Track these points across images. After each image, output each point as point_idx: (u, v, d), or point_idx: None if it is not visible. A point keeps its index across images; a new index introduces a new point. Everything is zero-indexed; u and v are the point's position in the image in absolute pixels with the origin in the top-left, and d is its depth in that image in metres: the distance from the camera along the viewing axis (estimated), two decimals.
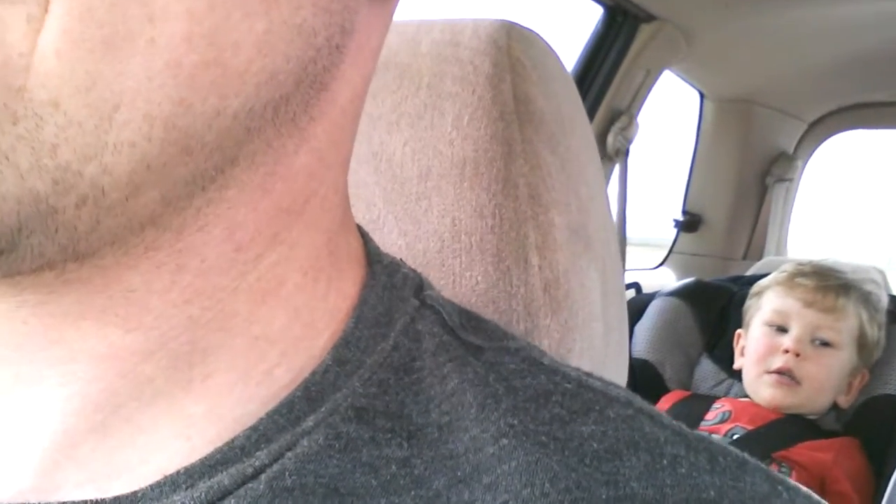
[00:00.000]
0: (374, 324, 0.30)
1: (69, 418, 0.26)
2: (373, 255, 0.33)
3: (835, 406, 1.38)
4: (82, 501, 0.25)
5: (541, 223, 0.42)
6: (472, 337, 0.32)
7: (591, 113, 1.65)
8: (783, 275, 1.44)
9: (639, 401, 0.30)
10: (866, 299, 1.39)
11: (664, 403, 1.43)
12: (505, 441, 0.27)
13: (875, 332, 1.39)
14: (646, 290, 1.83)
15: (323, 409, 0.27)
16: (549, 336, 0.42)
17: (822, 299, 1.36)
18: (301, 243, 0.29)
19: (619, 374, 0.50)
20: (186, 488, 0.25)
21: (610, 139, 1.70)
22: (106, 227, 0.22)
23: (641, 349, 1.57)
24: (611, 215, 0.52)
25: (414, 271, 0.35)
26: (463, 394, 0.29)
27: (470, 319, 0.34)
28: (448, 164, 0.43)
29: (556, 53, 0.48)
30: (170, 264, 0.25)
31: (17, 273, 0.23)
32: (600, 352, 0.45)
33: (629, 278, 1.87)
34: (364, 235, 0.35)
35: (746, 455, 0.29)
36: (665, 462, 0.27)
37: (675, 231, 2.31)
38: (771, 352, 1.36)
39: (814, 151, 2.36)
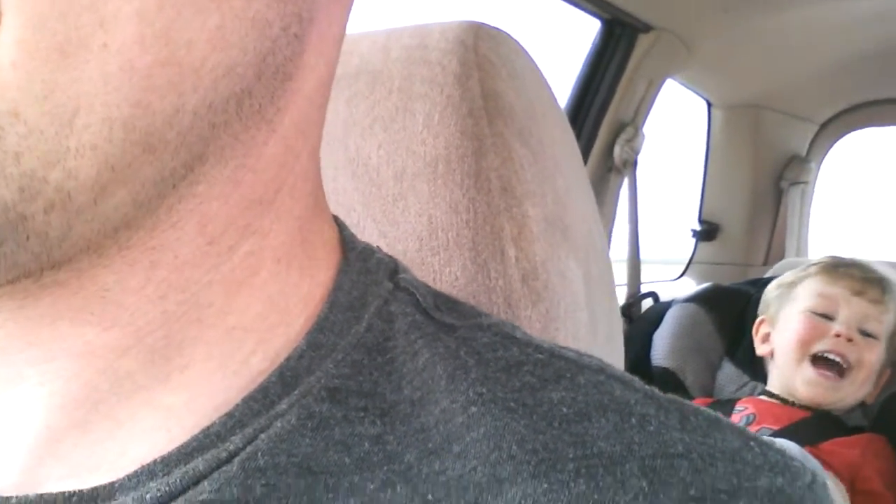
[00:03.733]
0: (348, 307, 0.31)
1: (51, 415, 0.26)
2: (347, 242, 0.34)
3: (860, 402, 1.36)
4: (60, 493, 0.26)
5: (515, 215, 0.42)
6: (446, 317, 0.32)
7: (596, 126, 1.66)
8: (821, 265, 1.41)
9: (612, 368, 0.30)
10: None
11: None
12: (474, 409, 0.28)
13: None
14: (668, 297, 1.81)
15: (296, 391, 0.28)
16: (530, 327, 0.42)
17: (871, 290, 1.34)
18: (273, 232, 0.29)
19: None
20: (163, 476, 0.26)
21: (617, 151, 1.70)
22: (78, 233, 0.23)
23: (661, 357, 1.55)
24: (594, 206, 0.52)
25: (389, 256, 0.35)
26: (433, 367, 0.29)
27: (445, 301, 0.34)
28: (421, 163, 0.44)
29: (525, 51, 0.49)
30: (143, 262, 0.26)
31: None
32: (587, 341, 0.46)
33: (648, 289, 1.86)
34: (340, 225, 0.35)
35: (721, 415, 0.29)
36: (634, 421, 0.27)
37: (693, 242, 2.29)
38: (817, 335, 1.32)
39: (827, 152, 2.34)
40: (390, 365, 0.30)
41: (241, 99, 0.25)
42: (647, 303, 1.81)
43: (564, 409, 0.27)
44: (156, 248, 0.26)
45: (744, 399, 1.39)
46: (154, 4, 0.21)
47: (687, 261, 2.31)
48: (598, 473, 0.25)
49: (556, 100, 0.50)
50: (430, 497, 0.26)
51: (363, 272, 0.33)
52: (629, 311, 1.76)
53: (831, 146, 2.33)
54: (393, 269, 0.34)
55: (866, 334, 1.33)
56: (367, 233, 0.45)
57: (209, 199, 0.26)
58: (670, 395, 0.29)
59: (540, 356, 0.30)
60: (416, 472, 0.26)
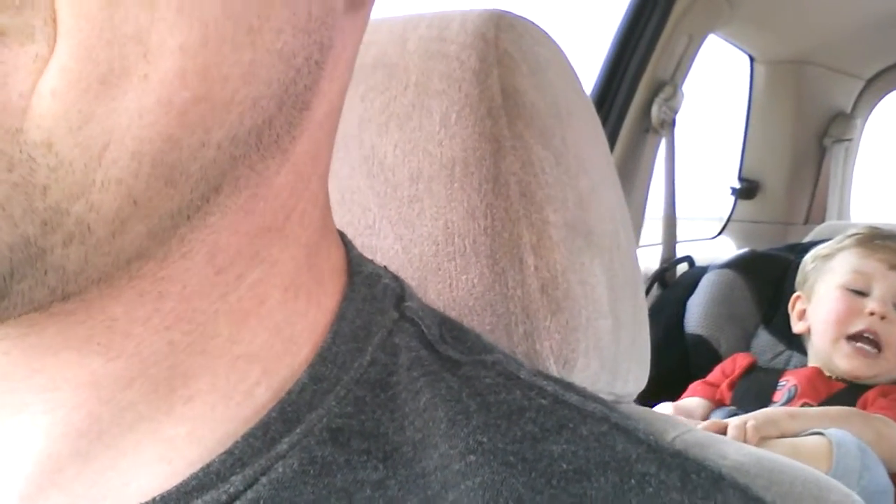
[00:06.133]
0: (351, 338, 0.30)
1: (53, 444, 0.26)
2: (354, 266, 0.33)
3: None
4: None
5: (534, 222, 0.41)
6: (451, 350, 0.31)
7: (634, 85, 1.61)
8: (858, 237, 1.37)
9: (616, 416, 0.29)
10: None
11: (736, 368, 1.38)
12: (472, 458, 0.27)
13: None
14: (704, 261, 1.78)
15: (298, 430, 0.27)
16: (549, 338, 0.41)
17: None
18: (281, 260, 0.28)
19: (636, 370, 0.48)
20: None
21: (654, 111, 1.66)
22: (94, 266, 0.22)
23: (695, 324, 1.52)
24: (621, 201, 0.50)
25: (396, 280, 0.34)
26: (434, 409, 0.29)
27: (451, 330, 0.33)
28: (437, 165, 0.42)
29: (552, 40, 0.46)
30: (152, 292, 0.25)
31: (6, 319, 0.23)
32: (610, 350, 0.44)
33: (683, 251, 1.83)
34: (347, 244, 0.34)
35: (724, 473, 0.28)
36: (633, 482, 0.26)
37: (732, 199, 2.25)
38: (852, 314, 1.29)
39: (873, 109, 2.27)
40: (393, 402, 0.29)
41: (261, 131, 0.25)
42: (681, 267, 1.78)
43: (564, 465, 0.27)
44: (165, 279, 0.25)
45: (788, 372, 1.36)
46: (197, 40, 0.21)
47: (725, 219, 2.26)
48: None
49: (583, 90, 0.48)
50: None
51: (368, 299, 0.32)
52: (664, 276, 1.73)
53: (877, 102, 2.26)
54: (399, 295, 0.33)
55: None
56: (383, 234, 0.43)
57: (220, 230, 0.26)
58: (675, 450, 0.28)
59: (543, 402, 0.29)
60: None
